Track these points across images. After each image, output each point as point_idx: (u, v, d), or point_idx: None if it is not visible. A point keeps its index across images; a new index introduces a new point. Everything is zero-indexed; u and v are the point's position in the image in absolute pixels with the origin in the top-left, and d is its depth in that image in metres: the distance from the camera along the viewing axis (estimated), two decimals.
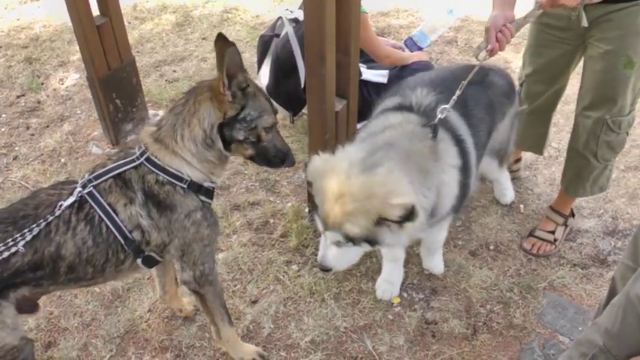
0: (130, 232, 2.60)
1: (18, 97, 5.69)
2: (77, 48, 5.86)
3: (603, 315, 2.39)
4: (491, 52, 3.23)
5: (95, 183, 2.57)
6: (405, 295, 3.63)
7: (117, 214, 2.57)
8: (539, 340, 3.37)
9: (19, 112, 5.47)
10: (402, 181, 2.63)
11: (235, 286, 3.69)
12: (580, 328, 3.39)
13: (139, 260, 2.72)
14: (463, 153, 2.99)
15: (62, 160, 4.85)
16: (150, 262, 2.78)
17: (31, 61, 6.24)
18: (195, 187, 2.67)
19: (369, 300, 3.58)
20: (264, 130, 2.66)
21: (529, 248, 3.87)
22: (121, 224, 2.57)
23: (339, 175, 2.68)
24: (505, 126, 3.52)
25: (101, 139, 5.02)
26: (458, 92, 3.00)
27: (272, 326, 3.48)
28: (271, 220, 4.15)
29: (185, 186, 2.63)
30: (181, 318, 3.53)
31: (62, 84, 5.86)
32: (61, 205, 2.50)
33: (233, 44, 2.39)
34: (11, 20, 7.13)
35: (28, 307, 2.66)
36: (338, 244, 2.77)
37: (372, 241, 2.71)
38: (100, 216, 2.55)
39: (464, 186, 3.02)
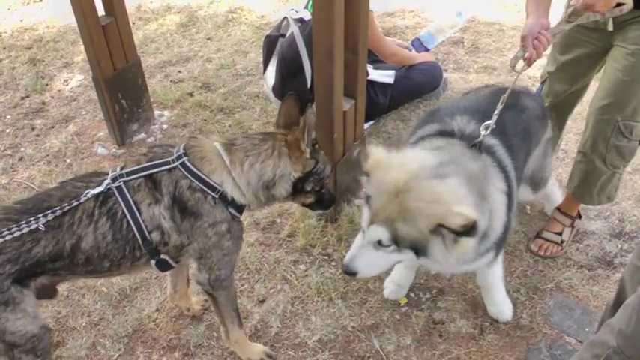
0: (150, 232, 2.61)
1: (22, 98, 5.71)
2: (81, 49, 5.90)
3: (616, 316, 2.38)
4: (529, 61, 3.15)
5: (126, 179, 2.59)
6: (412, 294, 3.63)
7: (140, 213, 2.57)
8: (546, 341, 3.36)
9: (23, 113, 5.48)
10: (469, 198, 2.48)
11: (243, 285, 3.69)
12: (587, 329, 3.39)
13: (152, 262, 2.73)
14: (507, 180, 2.88)
15: (68, 160, 4.86)
16: (163, 266, 2.79)
17: (35, 62, 6.26)
18: (227, 201, 2.69)
19: (377, 299, 3.58)
20: (325, 180, 2.91)
21: (536, 250, 3.87)
22: (142, 223, 2.58)
23: (407, 172, 2.51)
24: (539, 152, 3.45)
25: (107, 139, 5.02)
26: (498, 109, 2.93)
27: (280, 325, 3.48)
28: (278, 220, 4.15)
29: (216, 196, 2.65)
30: (189, 317, 3.53)
31: (67, 85, 5.87)
32: (87, 194, 2.51)
33: (311, 105, 2.63)
34: (14, 21, 7.15)
35: (47, 292, 2.67)
36: (377, 244, 2.58)
37: (418, 249, 2.52)
38: (123, 212, 2.56)
39: (509, 213, 2.92)
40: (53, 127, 5.28)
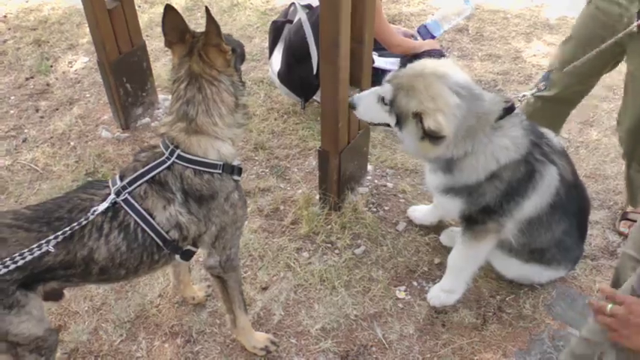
0: (167, 232, 2.61)
1: (27, 79, 5.71)
2: (86, 31, 5.90)
3: None
4: None
5: (130, 189, 2.56)
6: (415, 283, 3.63)
7: (154, 218, 2.57)
8: (549, 331, 3.37)
9: (28, 94, 5.48)
10: (455, 121, 2.83)
11: (246, 272, 3.69)
12: (589, 319, 3.40)
13: (177, 256, 2.74)
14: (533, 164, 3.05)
15: (72, 143, 4.85)
16: (187, 256, 2.80)
17: (40, 44, 6.25)
18: (229, 169, 2.70)
19: (380, 288, 3.58)
20: (238, 47, 2.83)
21: (627, 232, 3.87)
22: (158, 227, 2.57)
23: (437, 66, 2.97)
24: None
25: (111, 123, 5.02)
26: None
27: (282, 313, 3.49)
28: (282, 207, 4.15)
29: (220, 171, 2.65)
30: (191, 304, 3.54)
31: (71, 67, 5.86)
32: (94, 211, 2.48)
33: (207, 7, 2.49)
34: (20, 2, 7.13)
35: (53, 295, 2.65)
36: (380, 99, 3.06)
37: (399, 120, 2.99)
38: (135, 222, 2.55)
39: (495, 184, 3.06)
40: (57, 109, 5.28)
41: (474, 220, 3.20)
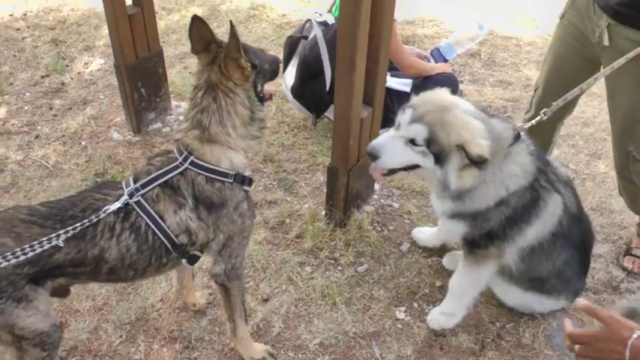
0: (177, 236, 2.64)
1: (43, 77, 5.74)
2: (103, 33, 5.96)
3: None
4: None
5: (143, 192, 2.60)
6: (416, 305, 3.65)
7: (164, 221, 2.60)
8: None
9: (42, 92, 5.52)
10: (488, 142, 2.80)
11: (248, 283, 3.70)
12: None
13: (183, 261, 2.78)
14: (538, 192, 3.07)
15: (83, 143, 4.89)
16: (193, 260, 2.83)
17: (57, 43, 6.29)
18: (240, 179, 2.72)
19: (380, 307, 3.60)
20: (265, 63, 2.82)
21: (630, 267, 3.91)
22: (168, 230, 2.61)
23: (453, 99, 2.99)
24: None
25: (123, 125, 5.05)
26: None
27: (282, 326, 3.50)
28: (287, 220, 4.17)
29: (232, 180, 2.68)
30: (192, 311, 3.55)
31: (87, 68, 5.90)
32: (106, 210, 2.51)
33: (230, 21, 2.51)
34: (40, 1, 7.17)
35: (60, 291, 2.69)
36: (409, 142, 2.90)
37: (439, 157, 2.86)
38: (147, 224, 2.59)
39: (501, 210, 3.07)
40: (71, 109, 5.32)
41: (476, 244, 3.22)
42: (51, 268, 2.46)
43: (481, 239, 3.17)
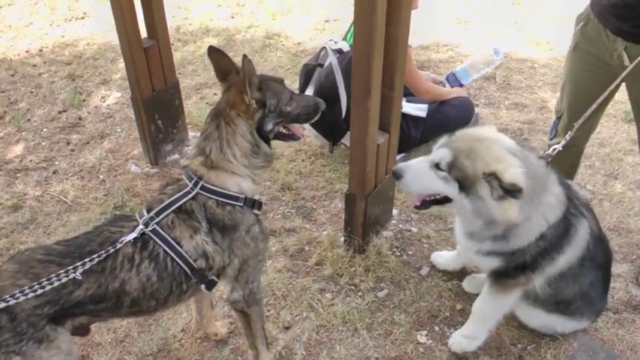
0: (195, 261, 2.66)
1: (60, 112, 5.81)
2: (119, 67, 6.01)
3: None
4: None
5: (158, 220, 2.63)
6: (437, 328, 3.64)
7: (181, 247, 2.62)
8: None
9: (60, 127, 5.57)
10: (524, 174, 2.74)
11: (269, 311, 3.71)
12: None
13: (202, 286, 2.78)
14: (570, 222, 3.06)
15: (101, 176, 4.93)
16: (211, 286, 2.83)
17: (74, 78, 6.37)
18: (250, 203, 2.76)
19: (401, 332, 3.59)
20: (287, 106, 2.81)
21: None
22: (186, 255, 2.63)
23: (489, 133, 2.95)
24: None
25: (140, 158, 5.09)
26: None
27: (304, 353, 3.50)
28: (306, 248, 4.19)
29: (242, 204, 2.72)
30: (214, 340, 3.56)
31: (104, 102, 5.96)
32: (122, 241, 2.54)
33: (245, 55, 2.52)
34: (56, 37, 7.28)
35: (80, 330, 2.69)
36: (434, 166, 2.89)
37: (464, 186, 2.81)
38: (165, 251, 2.61)
39: (551, 244, 3.05)
40: (88, 143, 5.36)
41: (505, 275, 3.21)
42: (71, 306, 2.48)
43: (512, 270, 3.15)
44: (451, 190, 2.87)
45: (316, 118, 3.00)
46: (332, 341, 3.56)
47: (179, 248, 2.62)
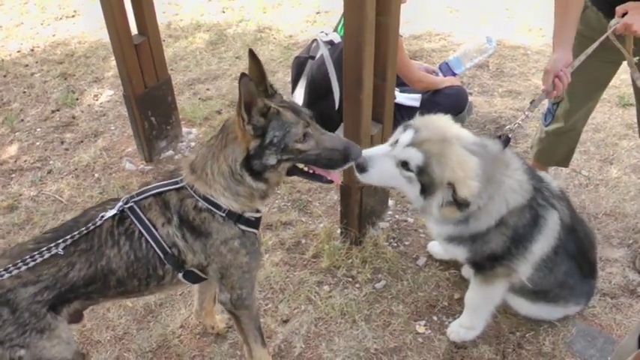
0: (170, 247, 2.65)
1: (53, 111, 5.80)
2: (111, 64, 6.00)
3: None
4: (548, 95, 3.34)
5: (136, 199, 2.64)
6: (435, 318, 3.65)
7: (156, 230, 2.62)
8: None
9: (53, 126, 5.56)
10: (478, 183, 2.77)
11: (267, 305, 3.72)
12: (609, 358, 3.38)
13: (179, 275, 2.75)
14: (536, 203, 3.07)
15: (96, 175, 4.92)
16: (192, 278, 2.81)
17: (66, 77, 6.36)
18: (235, 217, 2.65)
19: (400, 322, 3.60)
20: (298, 143, 2.47)
21: None
22: (160, 239, 2.62)
23: (455, 130, 2.90)
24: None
25: (135, 155, 5.09)
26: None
27: (303, 346, 3.50)
28: (303, 241, 4.19)
29: (224, 215, 2.62)
30: (213, 335, 3.57)
31: (97, 100, 5.95)
32: (102, 217, 2.57)
33: (244, 74, 2.30)
34: (47, 36, 7.27)
35: (74, 317, 2.71)
36: (401, 164, 2.85)
37: (427, 188, 2.83)
38: (139, 231, 2.61)
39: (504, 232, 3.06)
40: (82, 142, 5.36)
41: (482, 266, 3.23)
42: (67, 291, 2.50)
43: (485, 262, 3.17)
44: (412, 190, 2.90)
45: (344, 168, 2.65)
46: (330, 333, 3.57)
47: (152, 229, 2.61)
